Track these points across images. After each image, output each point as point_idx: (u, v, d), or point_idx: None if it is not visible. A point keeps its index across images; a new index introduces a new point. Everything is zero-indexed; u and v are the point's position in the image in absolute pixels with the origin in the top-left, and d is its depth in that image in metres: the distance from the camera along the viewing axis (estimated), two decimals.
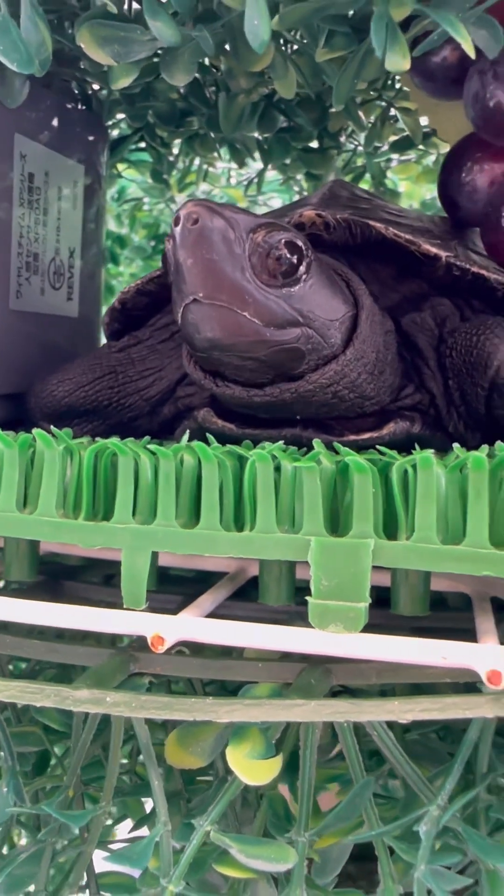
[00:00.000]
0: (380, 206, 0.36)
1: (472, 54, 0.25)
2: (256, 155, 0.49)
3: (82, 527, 0.26)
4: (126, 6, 0.35)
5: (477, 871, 0.25)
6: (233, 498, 0.26)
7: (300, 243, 0.26)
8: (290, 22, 0.28)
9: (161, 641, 0.24)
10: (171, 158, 0.54)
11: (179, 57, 0.32)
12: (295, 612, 0.30)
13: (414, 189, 0.61)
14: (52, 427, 0.30)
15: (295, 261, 0.26)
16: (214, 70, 0.43)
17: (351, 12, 0.31)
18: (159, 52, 0.32)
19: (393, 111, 0.46)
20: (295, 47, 0.36)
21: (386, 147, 0.49)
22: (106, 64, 0.31)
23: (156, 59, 0.33)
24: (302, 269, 0.26)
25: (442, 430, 0.32)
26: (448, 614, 0.35)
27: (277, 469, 0.25)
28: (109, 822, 0.36)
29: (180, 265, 0.25)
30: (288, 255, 0.26)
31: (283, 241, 0.26)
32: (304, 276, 0.26)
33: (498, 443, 0.26)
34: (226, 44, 0.33)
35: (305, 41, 0.34)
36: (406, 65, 0.26)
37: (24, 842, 0.36)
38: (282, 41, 0.35)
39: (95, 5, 0.30)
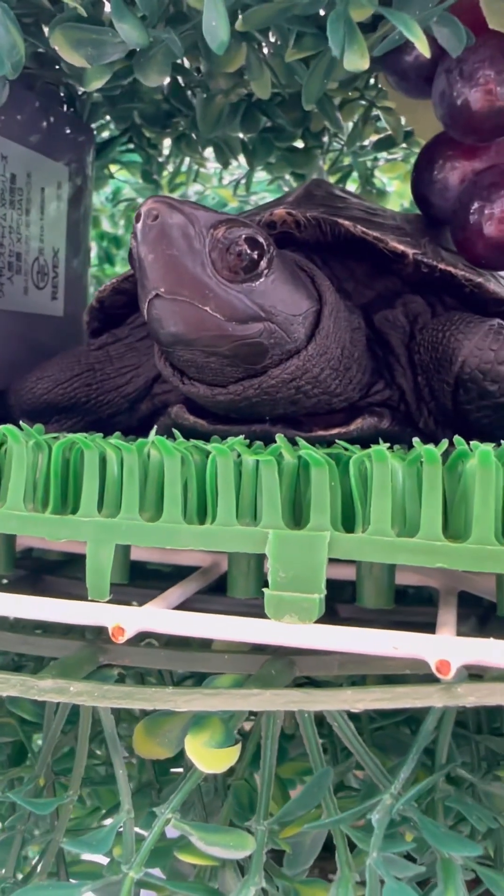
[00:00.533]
0: (355, 204, 0.36)
1: (427, 54, 0.25)
2: (241, 156, 0.50)
3: (48, 520, 0.27)
4: (102, 10, 0.35)
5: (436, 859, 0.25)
6: (197, 492, 0.26)
7: (261, 239, 0.27)
8: (254, 23, 0.28)
9: (121, 632, 0.25)
10: (161, 159, 0.55)
11: (152, 58, 0.32)
12: None
13: (404, 188, 0.61)
14: (22, 423, 0.30)
15: (255, 256, 0.26)
16: (196, 72, 0.43)
17: (322, 12, 0.31)
18: (136, 53, 0.32)
19: (375, 111, 0.46)
20: (270, 49, 0.36)
21: (370, 146, 0.49)
22: (80, 66, 0.32)
23: (132, 62, 0.33)
24: (263, 264, 0.27)
25: (412, 426, 0.33)
26: (428, 609, 0.35)
27: (241, 464, 0.26)
28: (88, 812, 0.37)
29: (142, 261, 0.26)
30: (248, 251, 0.26)
31: (243, 236, 0.26)
32: (265, 272, 0.27)
33: (457, 437, 0.26)
34: (199, 45, 0.34)
35: (279, 43, 0.35)
36: (364, 64, 0.26)
37: None
38: (258, 44, 0.36)
39: (68, 9, 0.31)
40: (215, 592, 0.33)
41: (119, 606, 0.25)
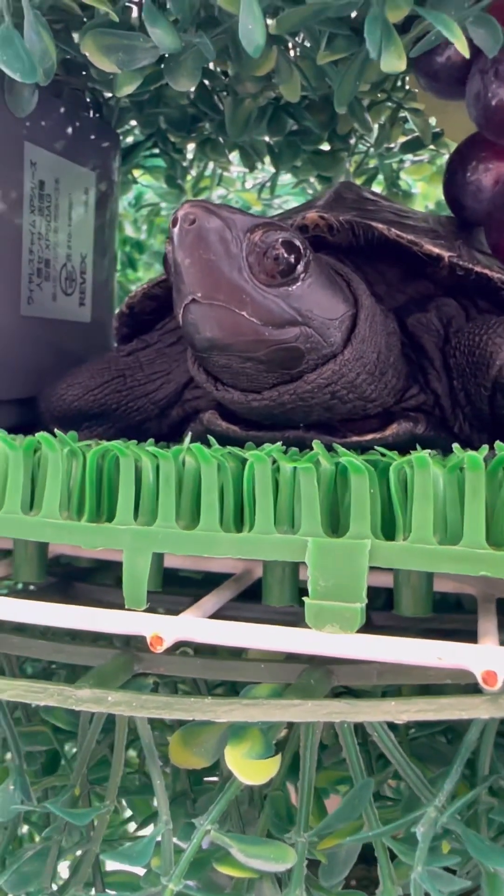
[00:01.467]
0: (386, 207, 0.36)
1: (466, 54, 0.25)
2: (267, 159, 0.50)
3: (84, 528, 0.26)
4: (132, 14, 0.35)
5: (479, 873, 0.25)
6: (234, 499, 0.26)
7: (298, 243, 0.26)
8: (288, 25, 0.28)
9: (160, 641, 0.24)
10: (185, 164, 0.55)
11: (183, 63, 0.32)
12: (303, 613, 0.30)
13: (429, 190, 0.60)
14: (56, 430, 0.30)
15: (293, 260, 0.26)
16: (223, 76, 0.43)
17: (353, 14, 0.31)
18: (166, 58, 0.32)
19: (402, 112, 0.45)
20: (299, 52, 0.36)
21: (396, 148, 0.49)
22: (111, 72, 0.31)
23: (162, 66, 0.33)
24: (300, 268, 0.26)
25: (447, 430, 0.32)
26: (461, 616, 0.35)
27: (277, 470, 0.25)
28: (120, 821, 0.36)
29: (178, 266, 0.26)
30: (285, 255, 0.26)
31: (280, 240, 0.26)
32: (302, 276, 0.27)
33: (498, 443, 0.25)
34: (229, 49, 0.34)
35: (308, 45, 0.34)
36: (402, 66, 0.26)
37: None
38: (286, 46, 0.35)
39: (99, 14, 0.30)
40: (246, 599, 0.33)
41: (157, 616, 0.25)
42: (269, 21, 0.28)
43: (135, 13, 0.35)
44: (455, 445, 0.26)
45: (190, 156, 0.55)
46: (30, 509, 0.28)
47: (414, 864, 0.22)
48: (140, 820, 0.34)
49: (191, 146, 0.54)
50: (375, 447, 0.27)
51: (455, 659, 0.22)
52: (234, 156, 0.53)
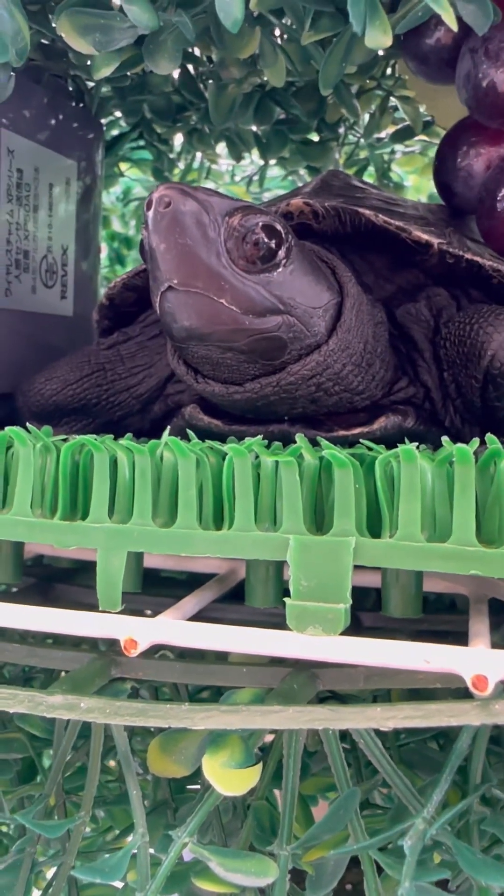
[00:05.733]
0: (374, 195, 0.35)
1: (454, 28, 0.24)
2: (255, 151, 0.48)
3: (56, 526, 0.25)
4: None
5: (471, 887, 0.24)
6: (213, 496, 0.25)
7: (279, 227, 0.25)
8: (269, 2, 0.27)
9: (134, 645, 0.23)
10: (172, 156, 0.54)
11: (162, 44, 0.31)
12: None
13: (421, 182, 0.59)
14: (29, 425, 0.29)
15: (273, 245, 0.25)
16: (208, 62, 0.42)
17: None
18: (145, 39, 0.31)
19: (392, 100, 0.44)
20: (285, 35, 0.35)
21: (387, 138, 0.48)
22: (87, 53, 0.30)
23: (142, 49, 0.32)
24: (281, 253, 0.25)
25: (438, 424, 0.31)
26: (453, 617, 0.34)
27: (259, 465, 0.24)
28: (101, 830, 0.35)
29: (154, 251, 0.25)
30: (265, 240, 0.25)
31: (260, 224, 0.25)
32: (283, 262, 0.25)
33: (489, 435, 0.24)
34: (210, 31, 0.32)
35: (293, 26, 0.33)
36: (387, 41, 0.24)
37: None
38: (271, 30, 0.34)
39: None
40: (231, 600, 0.32)
41: (131, 618, 0.24)
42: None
43: None
44: (444, 438, 0.25)
45: (177, 148, 0.54)
46: (2, 507, 0.26)
47: (401, 880, 0.21)
48: (119, 831, 0.33)
49: (178, 138, 0.53)
50: (362, 441, 0.26)
51: (444, 662, 0.21)
52: (222, 148, 0.52)
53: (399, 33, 0.26)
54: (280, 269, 0.25)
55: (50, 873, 0.32)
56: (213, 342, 0.26)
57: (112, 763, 0.35)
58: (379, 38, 0.24)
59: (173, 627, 0.24)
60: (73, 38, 0.30)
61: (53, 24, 0.34)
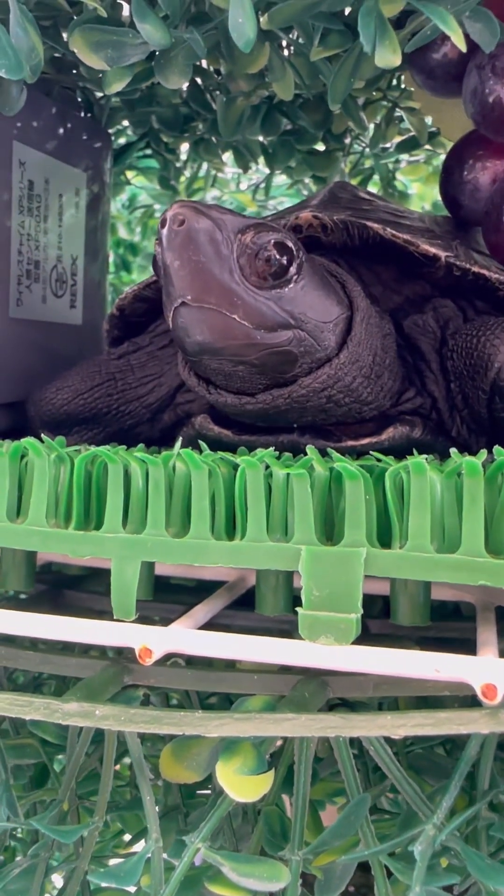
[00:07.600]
0: (381, 207, 0.35)
1: (462, 48, 0.24)
2: (262, 160, 0.49)
3: (71, 536, 0.26)
4: (121, 11, 0.35)
5: (479, 892, 0.24)
6: (225, 506, 0.25)
7: (290, 244, 0.26)
8: (280, 20, 0.27)
9: (149, 654, 0.24)
10: (179, 164, 0.54)
11: (173, 60, 0.31)
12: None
13: (426, 191, 0.60)
14: (43, 435, 0.29)
15: (285, 262, 0.25)
16: (216, 74, 0.42)
17: (347, 10, 0.31)
18: (156, 55, 0.31)
19: (398, 111, 0.45)
20: (293, 49, 0.36)
21: (392, 148, 0.48)
22: (99, 69, 0.31)
23: (152, 64, 0.32)
24: (292, 269, 0.26)
25: (445, 434, 0.31)
26: (460, 625, 0.34)
27: (270, 476, 0.25)
28: (113, 834, 0.35)
29: (168, 268, 0.25)
30: (277, 256, 0.25)
31: (272, 241, 0.25)
32: (294, 277, 0.26)
33: (497, 447, 0.25)
34: (221, 46, 0.33)
35: (301, 41, 0.34)
36: (396, 60, 0.25)
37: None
38: (279, 44, 0.35)
39: (88, 10, 0.30)
40: (240, 607, 0.32)
41: (146, 627, 0.24)
42: (261, 17, 0.28)
43: (125, 10, 0.35)
44: (453, 450, 0.25)
45: (183, 157, 0.55)
46: (16, 517, 0.27)
47: (412, 885, 0.21)
48: (132, 835, 0.33)
49: (184, 147, 0.53)
50: (371, 452, 0.26)
51: (453, 671, 0.22)
52: (229, 157, 0.53)
53: (408, 51, 0.26)
54: (291, 285, 0.26)
55: (56, 877, 0.32)
56: (226, 356, 0.26)
57: (117, 766, 0.36)
58: (388, 58, 0.25)
59: (188, 636, 0.24)
60: (86, 54, 0.30)
61: (65, 39, 0.35)
